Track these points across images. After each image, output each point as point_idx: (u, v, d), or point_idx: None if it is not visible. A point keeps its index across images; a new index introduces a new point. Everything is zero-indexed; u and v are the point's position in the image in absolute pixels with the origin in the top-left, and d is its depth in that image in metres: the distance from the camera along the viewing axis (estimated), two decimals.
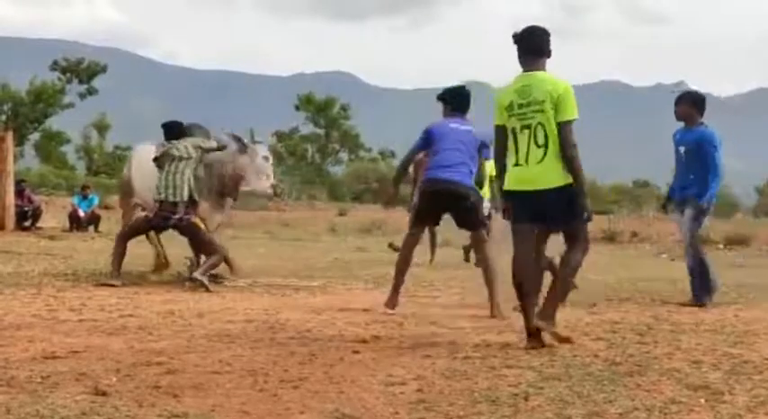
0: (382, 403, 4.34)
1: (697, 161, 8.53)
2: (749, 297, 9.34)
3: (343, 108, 66.24)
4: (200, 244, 9.53)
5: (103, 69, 55.99)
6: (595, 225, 13.66)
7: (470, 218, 7.75)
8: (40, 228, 19.60)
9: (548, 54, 5.95)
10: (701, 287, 8.50)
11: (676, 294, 9.32)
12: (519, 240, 5.96)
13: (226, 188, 9.99)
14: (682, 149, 8.69)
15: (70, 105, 53.76)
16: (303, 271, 11.42)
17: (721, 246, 20.51)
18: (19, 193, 19.66)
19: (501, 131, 5.93)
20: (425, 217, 8.04)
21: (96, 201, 21.99)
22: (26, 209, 19.85)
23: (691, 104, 8.69)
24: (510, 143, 5.86)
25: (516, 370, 5.16)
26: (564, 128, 5.70)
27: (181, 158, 9.35)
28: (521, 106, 5.77)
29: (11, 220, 18.90)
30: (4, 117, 51.65)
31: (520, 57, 5.93)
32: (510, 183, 5.90)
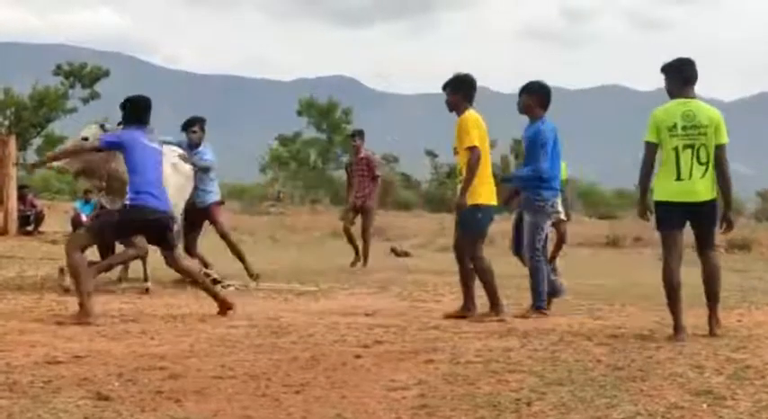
0: (384, 408, 4.34)
1: (532, 159, 7.90)
2: (751, 301, 9.33)
3: (345, 112, 66.21)
4: None
5: (106, 74, 55.95)
6: (598, 229, 13.68)
7: (166, 239, 7.60)
8: (42, 233, 19.60)
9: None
10: (536, 291, 8.01)
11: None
12: (671, 246, 6.72)
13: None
14: (524, 146, 8.20)
15: (73, 110, 53.83)
16: (306, 276, 11.41)
17: (723, 250, 20.49)
18: (21, 198, 19.67)
19: (653, 147, 6.71)
20: (125, 235, 7.99)
21: None
22: (28, 213, 19.84)
23: (530, 96, 8.01)
24: (670, 160, 6.65)
25: (518, 375, 5.16)
26: (723, 149, 6.68)
27: None
28: (684, 128, 6.61)
29: (13, 225, 18.90)
30: (6, 122, 51.70)
31: (673, 83, 6.80)
32: (672, 195, 6.65)
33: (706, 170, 6.61)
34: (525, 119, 8.03)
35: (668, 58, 6.91)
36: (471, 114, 7.66)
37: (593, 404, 4.47)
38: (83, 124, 9.57)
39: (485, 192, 7.62)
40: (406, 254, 17.06)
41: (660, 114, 6.71)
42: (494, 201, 7.77)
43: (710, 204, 6.69)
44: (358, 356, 5.67)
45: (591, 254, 18.99)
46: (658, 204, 6.74)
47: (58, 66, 55.07)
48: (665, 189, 6.69)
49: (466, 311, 7.75)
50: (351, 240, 13.71)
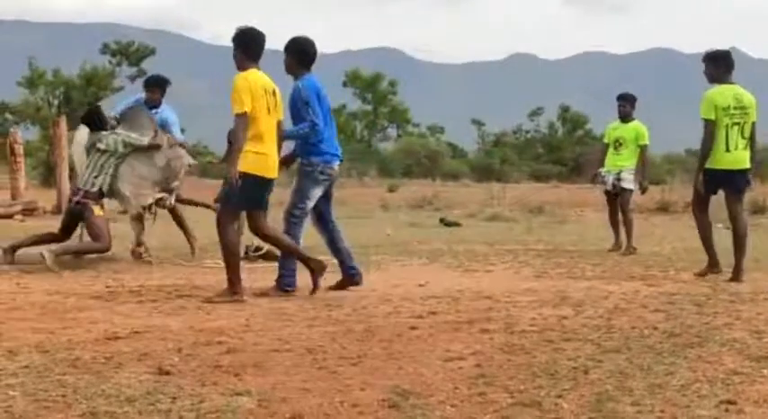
0: (442, 378, 4.35)
1: (300, 119, 7.34)
2: None
3: (391, 84, 66.11)
4: (89, 227, 9.43)
5: (152, 52, 56.37)
6: (649, 195, 13.51)
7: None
8: None
9: None
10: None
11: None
12: (707, 205, 8.32)
13: None
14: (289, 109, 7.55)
15: (121, 88, 54.33)
16: (356, 248, 11.44)
17: None
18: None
19: (714, 124, 8.02)
20: None
21: None
22: None
23: (288, 55, 7.45)
24: (721, 135, 8.03)
25: (575, 344, 5.15)
26: (755, 126, 8.22)
27: (105, 151, 9.38)
28: (735, 108, 8.09)
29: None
30: (56, 102, 52.30)
31: (718, 70, 8.19)
32: (722, 164, 8.07)
33: (747, 144, 8.13)
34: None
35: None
36: (247, 75, 6.96)
37: (652, 371, 4.46)
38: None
39: (257, 162, 6.94)
40: (455, 224, 17.05)
41: (717, 96, 8.07)
42: (270, 174, 7.08)
43: (747, 171, 8.19)
44: (413, 327, 5.69)
45: (642, 219, 18.84)
46: (707, 171, 8.11)
47: (105, 45, 55.53)
48: (715, 158, 8.06)
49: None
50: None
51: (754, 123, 8.20)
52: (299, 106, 7.30)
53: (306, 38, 7.62)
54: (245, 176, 6.88)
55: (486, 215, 20.00)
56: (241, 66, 7.03)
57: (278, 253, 9.72)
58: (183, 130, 9.89)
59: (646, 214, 19.16)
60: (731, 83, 8.19)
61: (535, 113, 67.27)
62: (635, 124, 11.32)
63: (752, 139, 8.20)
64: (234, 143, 6.89)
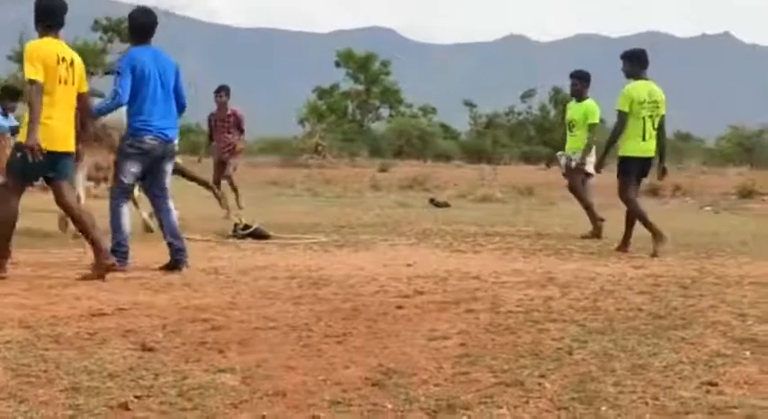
0: (426, 357, 4.35)
1: (131, 96, 7.26)
2: None
3: (384, 64, 65.91)
4: None
5: None
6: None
7: None
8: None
9: None
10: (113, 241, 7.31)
11: (721, 246, 9.26)
12: (635, 187, 9.14)
13: None
14: None
15: (112, 65, 54.07)
16: (346, 228, 11.44)
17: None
18: None
19: (627, 116, 8.95)
20: None
21: None
22: None
23: (128, 25, 7.63)
24: (638, 125, 8.94)
25: (559, 324, 5.16)
26: (664, 118, 9.13)
27: None
28: (649, 102, 8.98)
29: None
30: None
31: (634, 67, 9.08)
32: (639, 152, 8.99)
33: (657, 134, 9.04)
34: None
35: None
36: (39, 43, 6.75)
37: (635, 352, 4.47)
38: None
39: (42, 133, 6.56)
40: (445, 205, 17.05)
41: (634, 91, 8.95)
42: (56, 146, 6.69)
43: (652, 159, 9.15)
44: (399, 306, 5.69)
45: None
46: (629, 158, 9.00)
47: (96, 21, 55.22)
48: (634, 147, 8.98)
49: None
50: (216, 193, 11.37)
51: (663, 116, 9.06)
52: (115, 77, 7.27)
53: (140, 9, 7.62)
54: (29, 148, 6.55)
55: (477, 196, 20.01)
56: (39, 35, 6.89)
57: (268, 231, 9.74)
58: None
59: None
60: (646, 78, 9.05)
61: (527, 95, 67.20)
62: (586, 103, 10.95)
63: (661, 130, 9.08)
64: (30, 112, 6.62)
